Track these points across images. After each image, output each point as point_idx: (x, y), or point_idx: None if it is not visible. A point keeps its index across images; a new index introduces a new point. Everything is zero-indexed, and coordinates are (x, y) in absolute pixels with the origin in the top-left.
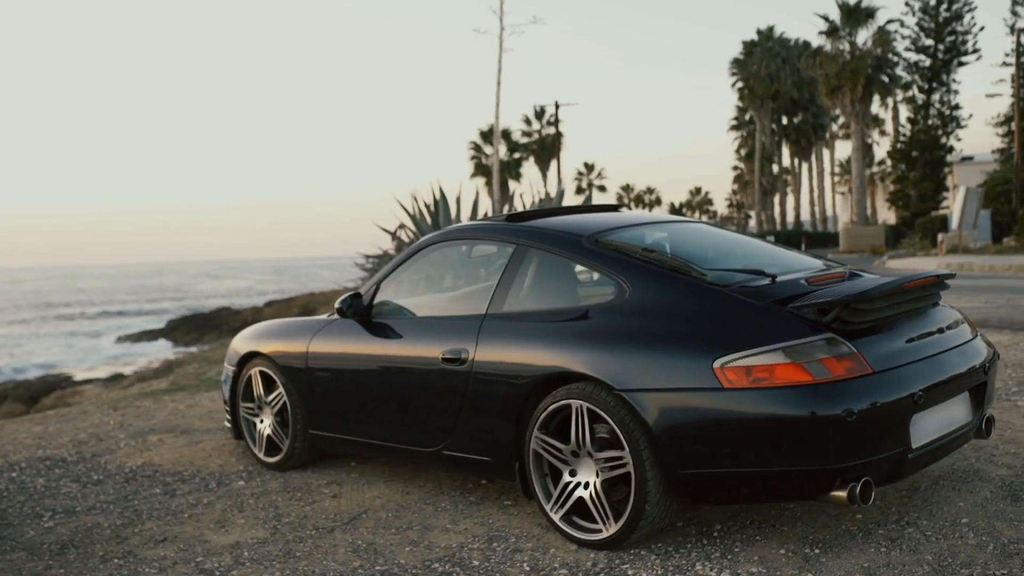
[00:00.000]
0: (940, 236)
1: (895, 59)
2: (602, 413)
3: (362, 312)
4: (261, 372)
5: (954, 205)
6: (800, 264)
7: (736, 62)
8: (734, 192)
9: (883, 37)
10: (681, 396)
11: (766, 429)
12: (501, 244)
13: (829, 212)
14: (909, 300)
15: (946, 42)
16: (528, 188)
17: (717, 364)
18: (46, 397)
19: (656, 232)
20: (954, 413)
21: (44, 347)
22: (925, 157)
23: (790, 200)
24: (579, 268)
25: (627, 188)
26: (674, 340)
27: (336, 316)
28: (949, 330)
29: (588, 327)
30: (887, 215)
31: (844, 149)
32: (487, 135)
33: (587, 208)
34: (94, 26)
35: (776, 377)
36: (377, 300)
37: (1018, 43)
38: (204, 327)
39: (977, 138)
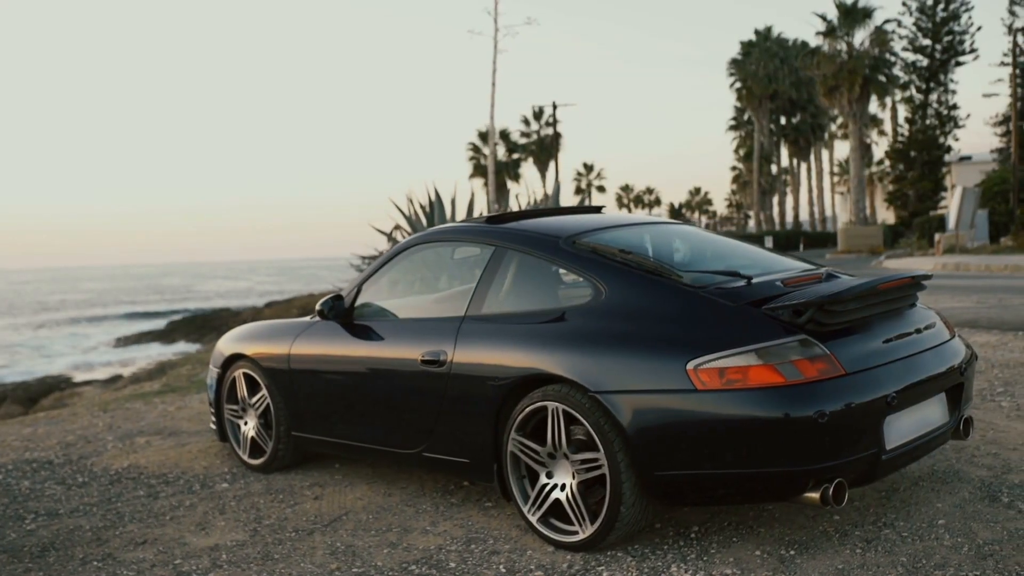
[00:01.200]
0: (937, 236)
1: (893, 59)
2: (577, 415)
3: (343, 314)
4: (245, 374)
5: (951, 205)
6: (778, 265)
7: (734, 62)
8: (733, 192)
9: (880, 37)
10: (655, 398)
11: (739, 431)
12: (480, 246)
13: (828, 212)
14: (884, 301)
15: (943, 42)
16: (524, 189)
17: (691, 366)
18: (44, 399)
19: (635, 234)
20: (930, 414)
21: (44, 348)
22: (923, 157)
23: (789, 200)
24: (561, 270)
25: (626, 188)
26: (649, 342)
27: (318, 318)
28: (925, 331)
29: (564, 329)
30: (886, 215)
31: (843, 149)
32: (485, 136)
33: (569, 210)
34: (95, 26)
35: (749, 379)
36: (358, 302)
37: (1015, 43)
38: (204, 328)
39: (976, 138)
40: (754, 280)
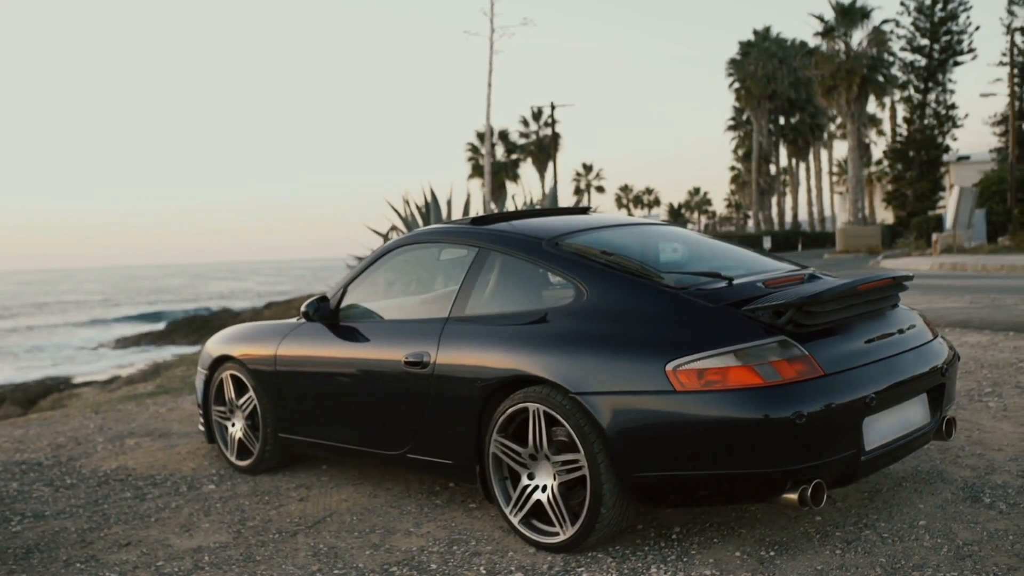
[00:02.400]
0: (934, 236)
1: (891, 59)
2: (558, 416)
3: (329, 316)
4: (232, 376)
5: (949, 205)
6: (761, 267)
7: (733, 62)
8: (732, 192)
9: (878, 37)
10: (635, 399)
11: (717, 432)
12: (464, 247)
13: (827, 212)
14: (865, 302)
15: (941, 42)
16: (521, 189)
17: (669, 367)
18: (43, 400)
19: (618, 235)
20: (911, 415)
21: (44, 349)
22: (921, 157)
23: (788, 200)
24: (544, 271)
25: (626, 189)
26: (628, 343)
27: (304, 320)
28: (907, 332)
29: (546, 330)
30: (884, 215)
31: (841, 149)
32: (484, 136)
33: (555, 211)
34: (96, 25)
35: (727, 380)
36: (344, 304)
37: (1012, 42)
38: (203, 329)
39: (974, 137)
40: (736, 281)
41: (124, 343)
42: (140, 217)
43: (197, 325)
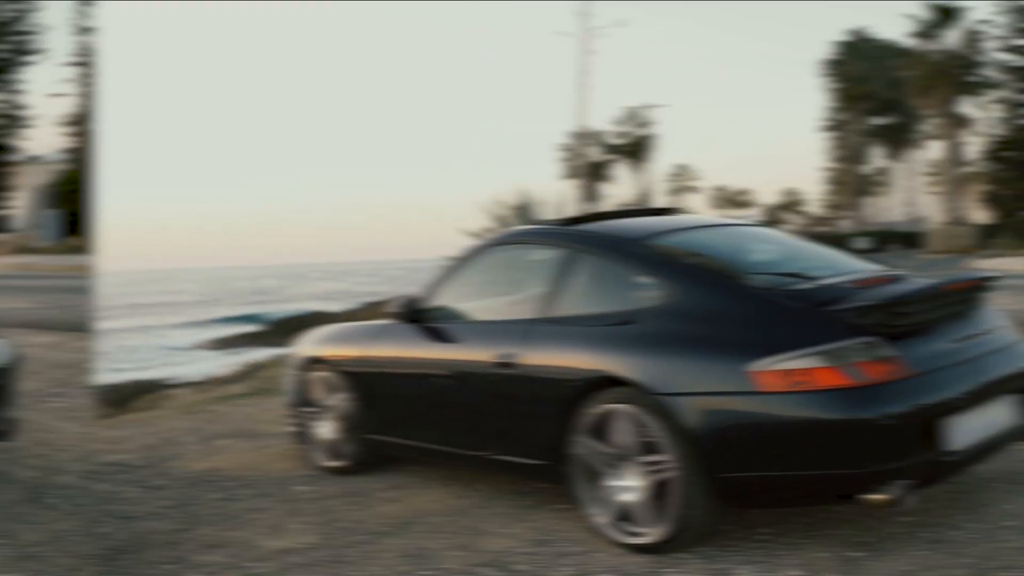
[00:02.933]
0: None
1: (986, 59)
2: (645, 417)
3: (418, 316)
4: (322, 377)
5: None
6: (848, 267)
7: (828, 63)
8: (827, 193)
9: (973, 37)
10: (721, 400)
11: (804, 433)
12: (554, 248)
13: (921, 212)
14: (951, 303)
15: None
16: (614, 190)
17: (756, 368)
18: (137, 401)
19: (706, 236)
20: (998, 415)
21: (139, 350)
22: (1018, 157)
23: (883, 201)
24: (632, 272)
25: (720, 189)
26: (715, 344)
27: (393, 320)
28: (993, 333)
29: (633, 331)
30: (980, 215)
31: (936, 149)
32: (577, 137)
33: (644, 212)
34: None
35: (814, 381)
36: (434, 304)
37: None
38: (299, 330)
39: None
40: (822, 282)
41: (220, 344)
42: (238, 218)
43: (293, 326)
